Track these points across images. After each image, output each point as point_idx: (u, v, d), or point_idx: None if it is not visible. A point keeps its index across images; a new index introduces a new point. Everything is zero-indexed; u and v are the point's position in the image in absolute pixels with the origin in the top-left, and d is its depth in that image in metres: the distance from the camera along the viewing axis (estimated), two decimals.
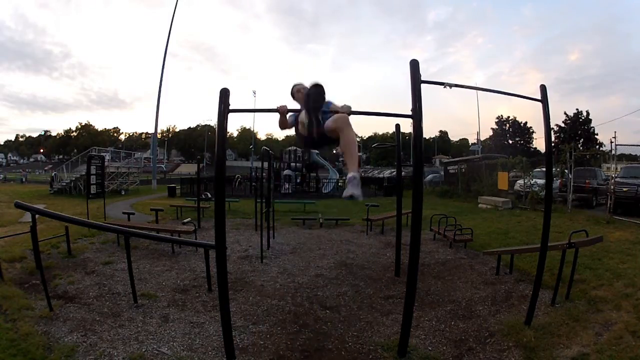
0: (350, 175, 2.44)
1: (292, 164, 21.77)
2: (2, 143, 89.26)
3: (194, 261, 5.49)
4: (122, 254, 4.91)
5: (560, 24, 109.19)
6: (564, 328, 3.20)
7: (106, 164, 17.47)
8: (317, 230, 8.66)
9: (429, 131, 76.49)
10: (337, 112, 2.61)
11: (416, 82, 2.67)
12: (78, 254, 5.65)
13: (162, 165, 54.06)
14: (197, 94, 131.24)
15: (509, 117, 53.96)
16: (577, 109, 41.27)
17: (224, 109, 2.55)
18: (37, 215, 3.48)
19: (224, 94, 2.55)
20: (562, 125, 40.40)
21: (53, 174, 24.04)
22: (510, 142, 51.50)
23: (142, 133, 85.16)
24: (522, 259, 5.28)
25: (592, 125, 39.67)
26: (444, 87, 2.81)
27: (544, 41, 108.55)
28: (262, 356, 2.85)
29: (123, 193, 20.57)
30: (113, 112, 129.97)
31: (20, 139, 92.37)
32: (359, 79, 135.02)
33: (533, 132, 51.99)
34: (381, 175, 35.24)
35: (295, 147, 22.55)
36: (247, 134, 73.88)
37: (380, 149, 62.36)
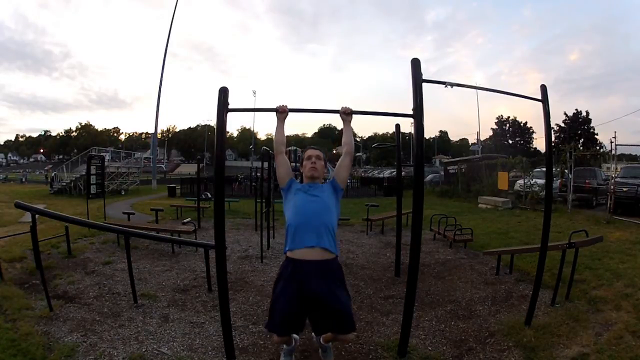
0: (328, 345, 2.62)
1: (292, 164, 21.71)
2: (2, 143, 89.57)
3: (194, 261, 5.49)
4: (122, 254, 4.91)
5: (560, 24, 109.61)
6: (564, 328, 3.19)
7: (106, 164, 17.52)
8: None
9: (429, 131, 76.66)
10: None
11: (417, 81, 2.66)
12: (78, 254, 5.64)
13: (162, 165, 54.06)
14: (197, 94, 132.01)
15: (509, 117, 54.14)
16: (576, 109, 41.45)
17: (224, 108, 2.54)
18: (37, 215, 3.47)
19: (223, 93, 2.54)
20: (562, 125, 40.49)
21: (53, 174, 24.04)
22: (510, 142, 51.57)
23: (142, 133, 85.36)
24: (522, 259, 5.27)
25: (592, 125, 39.80)
26: (445, 86, 2.80)
27: (544, 41, 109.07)
28: (262, 356, 2.84)
29: (123, 193, 20.58)
30: (113, 112, 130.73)
31: (20, 139, 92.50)
32: (359, 79, 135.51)
33: (533, 132, 52.16)
34: (381, 175, 35.25)
35: (295, 147, 22.53)
36: (247, 134, 73.90)
37: (380, 149, 62.31)
